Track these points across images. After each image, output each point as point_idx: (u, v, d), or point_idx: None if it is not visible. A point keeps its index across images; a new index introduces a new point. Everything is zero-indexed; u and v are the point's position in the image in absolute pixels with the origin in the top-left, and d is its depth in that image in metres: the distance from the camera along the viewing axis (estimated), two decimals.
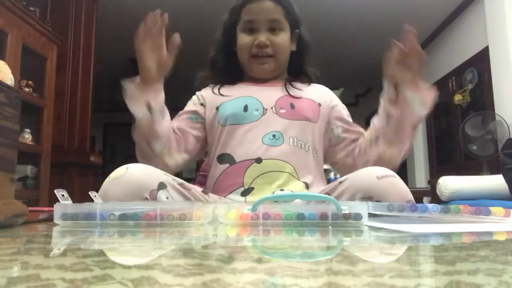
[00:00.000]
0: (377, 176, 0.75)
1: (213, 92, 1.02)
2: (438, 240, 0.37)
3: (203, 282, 0.19)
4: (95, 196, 0.61)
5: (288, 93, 0.99)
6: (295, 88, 1.02)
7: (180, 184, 0.82)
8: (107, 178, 0.75)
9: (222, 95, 1.00)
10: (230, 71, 1.05)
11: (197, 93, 1.06)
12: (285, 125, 0.94)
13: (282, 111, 0.96)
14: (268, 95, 0.99)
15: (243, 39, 1.00)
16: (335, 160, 1.03)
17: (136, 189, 0.72)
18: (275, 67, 1.01)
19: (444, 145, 4.73)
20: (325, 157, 1.03)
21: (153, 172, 0.78)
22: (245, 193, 0.87)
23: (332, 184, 0.87)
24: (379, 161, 0.90)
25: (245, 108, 0.96)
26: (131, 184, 0.73)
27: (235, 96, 0.99)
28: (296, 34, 1.04)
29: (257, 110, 0.96)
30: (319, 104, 1.01)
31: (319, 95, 1.03)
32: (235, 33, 1.03)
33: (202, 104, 1.02)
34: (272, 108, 0.96)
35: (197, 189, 0.89)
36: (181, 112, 1.02)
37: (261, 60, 1.00)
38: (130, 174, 0.74)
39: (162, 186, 0.76)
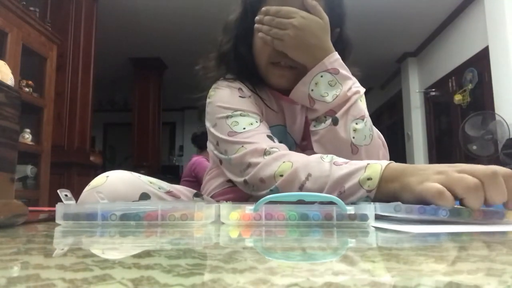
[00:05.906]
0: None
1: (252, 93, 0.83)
2: (439, 240, 0.37)
3: (203, 282, 0.19)
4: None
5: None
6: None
7: (168, 192, 0.78)
8: (87, 186, 0.71)
9: (263, 101, 0.83)
10: (249, 71, 0.85)
11: (244, 88, 0.83)
12: None
13: (304, 143, 0.86)
14: (298, 122, 0.85)
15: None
16: None
17: (115, 200, 0.66)
18: (297, 79, 0.78)
19: (444, 145, 4.73)
20: None
21: (135, 181, 0.73)
22: None
23: None
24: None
25: None
26: (109, 194, 0.67)
27: (271, 122, 0.83)
28: (336, 33, 0.83)
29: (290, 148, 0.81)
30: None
31: None
32: (252, 22, 0.80)
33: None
34: (298, 142, 0.86)
35: (189, 195, 0.84)
36: (251, 109, 0.79)
37: (281, 71, 0.80)
38: (110, 184, 0.69)
39: (144, 196, 0.71)
